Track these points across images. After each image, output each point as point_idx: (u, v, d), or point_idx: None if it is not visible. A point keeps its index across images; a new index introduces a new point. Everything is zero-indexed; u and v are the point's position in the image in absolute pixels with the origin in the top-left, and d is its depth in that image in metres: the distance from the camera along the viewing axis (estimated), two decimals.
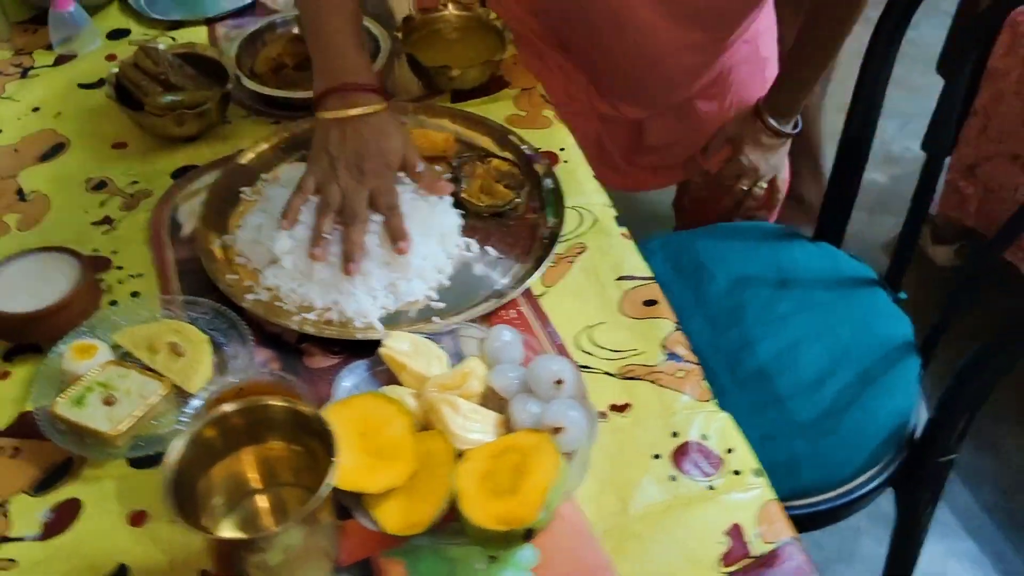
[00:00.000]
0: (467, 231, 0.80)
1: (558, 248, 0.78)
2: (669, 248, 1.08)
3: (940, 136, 1.10)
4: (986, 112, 1.51)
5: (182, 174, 0.87)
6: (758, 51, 1.10)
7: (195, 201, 0.83)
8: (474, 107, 0.94)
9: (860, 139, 1.07)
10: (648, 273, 0.77)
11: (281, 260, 0.75)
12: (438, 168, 0.85)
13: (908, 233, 1.06)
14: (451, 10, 1.01)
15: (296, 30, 1.00)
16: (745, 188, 1.10)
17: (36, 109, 0.94)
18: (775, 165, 1.10)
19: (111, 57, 1.00)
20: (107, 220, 0.82)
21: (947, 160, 1.58)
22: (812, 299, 1.02)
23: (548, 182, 0.83)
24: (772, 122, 1.04)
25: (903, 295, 1.06)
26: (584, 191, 0.85)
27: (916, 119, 1.71)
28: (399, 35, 0.97)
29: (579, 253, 0.79)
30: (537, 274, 0.76)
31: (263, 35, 1.00)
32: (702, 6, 0.97)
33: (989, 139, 1.53)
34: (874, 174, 1.88)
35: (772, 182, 1.12)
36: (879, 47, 1.02)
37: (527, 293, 0.75)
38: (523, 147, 0.87)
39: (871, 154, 1.07)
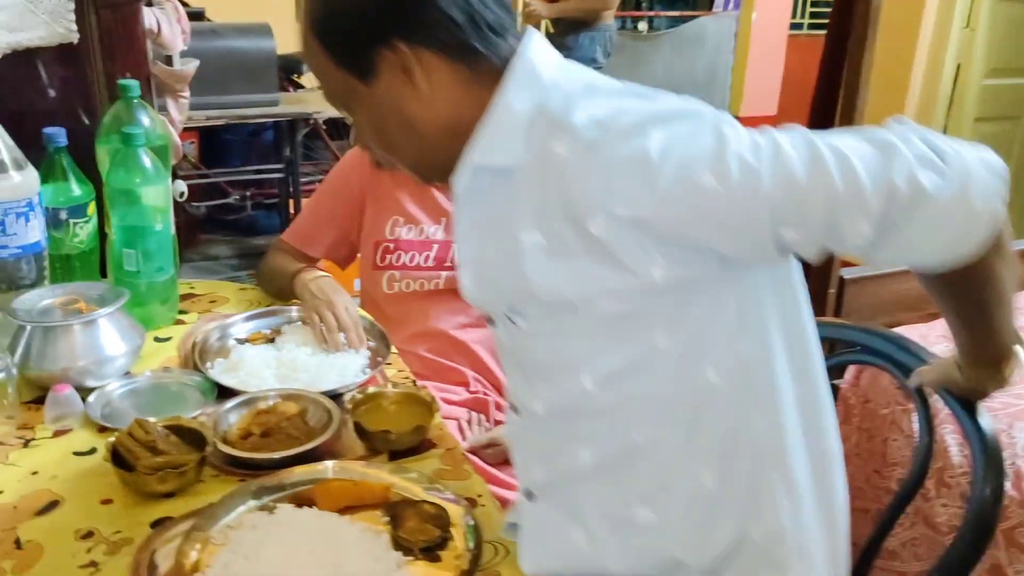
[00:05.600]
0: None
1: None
2: None
3: None
4: None
5: (160, 524, 1.03)
6: None
7: (171, 546, 0.99)
8: (407, 464, 1.15)
9: None
10: None
11: None
12: (377, 513, 1.05)
13: None
14: (390, 387, 1.27)
15: (261, 405, 1.23)
16: None
17: (35, 473, 1.11)
18: None
19: (103, 429, 1.20)
20: (92, 564, 0.96)
21: None
22: None
23: (469, 520, 1.02)
24: None
25: None
26: (497, 529, 1.04)
27: None
28: (348, 407, 1.21)
29: None
30: None
31: (236, 409, 1.22)
32: None
33: None
34: None
35: None
36: None
37: None
38: (447, 494, 1.07)
39: None
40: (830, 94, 3.60)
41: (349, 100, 0.91)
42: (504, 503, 1.47)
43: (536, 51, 0.88)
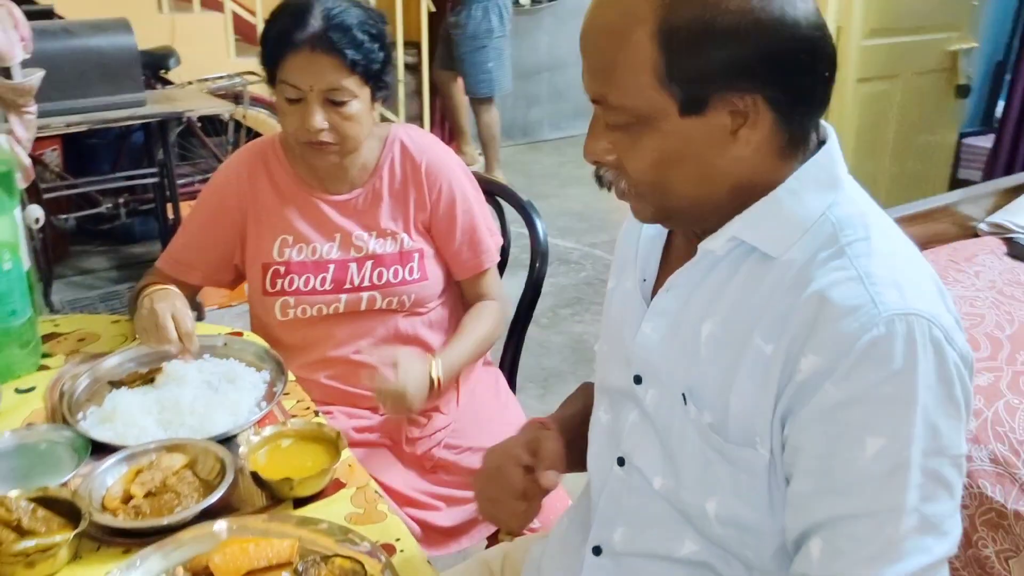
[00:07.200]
0: None
1: None
2: None
3: None
4: None
5: None
6: None
7: None
8: (315, 510, 1.05)
9: None
10: None
11: None
12: (285, 575, 0.94)
13: None
14: (289, 424, 1.16)
15: (142, 461, 1.10)
16: None
17: None
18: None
19: None
20: None
21: None
22: None
23: (387, 574, 0.93)
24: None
25: None
26: (419, 574, 0.95)
27: None
28: (243, 453, 1.10)
29: None
30: None
31: (113, 468, 1.09)
32: None
33: None
34: None
35: None
36: None
37: None
38: (362, 544, 0.98)
39: None
40: None
41: (645, 119, 0.78)
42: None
43: (837, 149, 0.83)
